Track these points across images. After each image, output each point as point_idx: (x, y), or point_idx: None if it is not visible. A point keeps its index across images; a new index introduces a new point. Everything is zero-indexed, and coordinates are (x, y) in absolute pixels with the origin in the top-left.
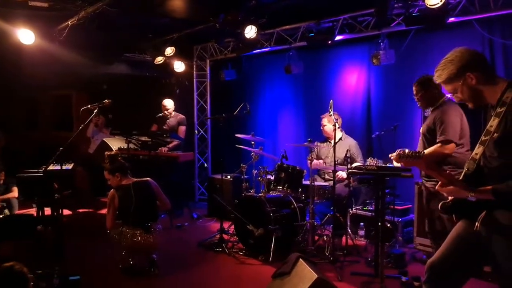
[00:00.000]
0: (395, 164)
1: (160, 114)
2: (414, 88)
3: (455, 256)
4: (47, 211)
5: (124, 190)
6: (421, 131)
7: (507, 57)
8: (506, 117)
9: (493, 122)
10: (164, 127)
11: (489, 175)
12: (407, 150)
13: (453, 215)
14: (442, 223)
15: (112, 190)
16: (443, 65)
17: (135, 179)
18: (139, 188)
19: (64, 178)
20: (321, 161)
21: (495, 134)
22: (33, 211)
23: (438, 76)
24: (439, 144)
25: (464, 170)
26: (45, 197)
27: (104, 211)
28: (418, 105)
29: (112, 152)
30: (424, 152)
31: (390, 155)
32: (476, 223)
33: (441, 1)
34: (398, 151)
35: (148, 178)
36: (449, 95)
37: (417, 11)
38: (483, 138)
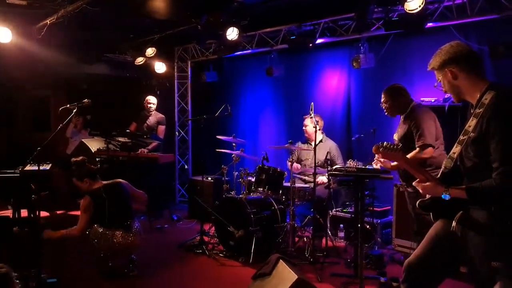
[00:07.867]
0: (375, 166)
1: (145, 111)
2: (383, 96)
3: (432, 256)
4: (24, 212)
5: (96, 194)
6: (395, 138)
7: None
8: (482, 119)
9: (471, 122)
10: (143, 125)
11: (465, 174)
12: (385, 143)
13: (430, 214)
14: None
15: (86, 196)
16: (435, 55)
17: (105, 182)
18: (109, 189)
19: (42, 178)
20: (298, 165)
21: (472, 134)
22: (8, 212)
23: (429, 64)
24: (418, 150)
25: (441, 169)
26: (22, 198)
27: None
28: (386, 113)
29: (78, 159)
30: (401, 145)
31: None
32: (453, 223)
33: (420, 6)
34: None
35: (119, 180)
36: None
37: (397, 16)
38: (461, 137)
